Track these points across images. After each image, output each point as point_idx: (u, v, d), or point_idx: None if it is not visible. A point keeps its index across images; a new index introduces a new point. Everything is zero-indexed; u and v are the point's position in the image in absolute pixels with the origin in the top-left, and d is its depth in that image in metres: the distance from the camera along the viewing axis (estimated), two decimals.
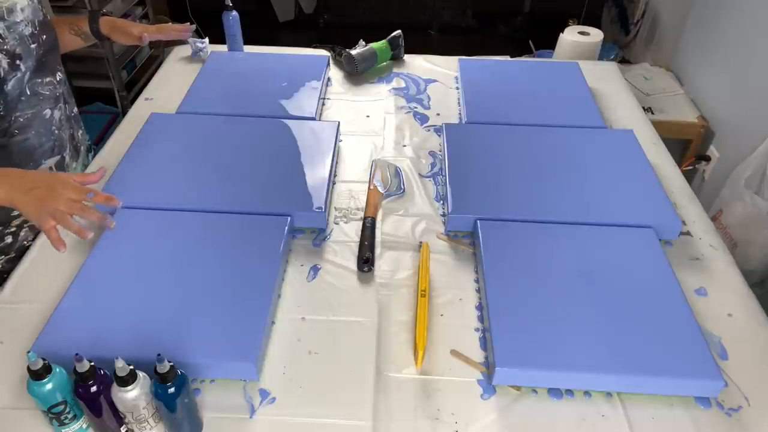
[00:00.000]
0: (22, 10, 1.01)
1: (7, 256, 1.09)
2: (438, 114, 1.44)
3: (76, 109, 1.23)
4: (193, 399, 0.74)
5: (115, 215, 1.04)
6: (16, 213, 1.08)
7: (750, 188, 1.54)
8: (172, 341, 0.81)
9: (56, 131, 1.13)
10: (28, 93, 1.04)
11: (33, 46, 1.03)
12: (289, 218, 1.04)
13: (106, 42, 1.25)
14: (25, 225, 1.10)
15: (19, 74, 1.01)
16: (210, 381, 0.82)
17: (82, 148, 1.25)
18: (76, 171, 1.20)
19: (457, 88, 1.53)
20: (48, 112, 1.10)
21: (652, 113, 1.91)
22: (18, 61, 1.00)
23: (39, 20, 1.06)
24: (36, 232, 1.11)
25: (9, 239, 1.08)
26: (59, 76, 1.13)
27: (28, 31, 1.02)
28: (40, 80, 1.07)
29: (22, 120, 1.04)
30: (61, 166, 1.14)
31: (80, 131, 1.25)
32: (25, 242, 1.11)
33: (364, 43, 1.62)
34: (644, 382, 0.80)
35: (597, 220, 1.05)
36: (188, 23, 1.37)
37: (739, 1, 1.77)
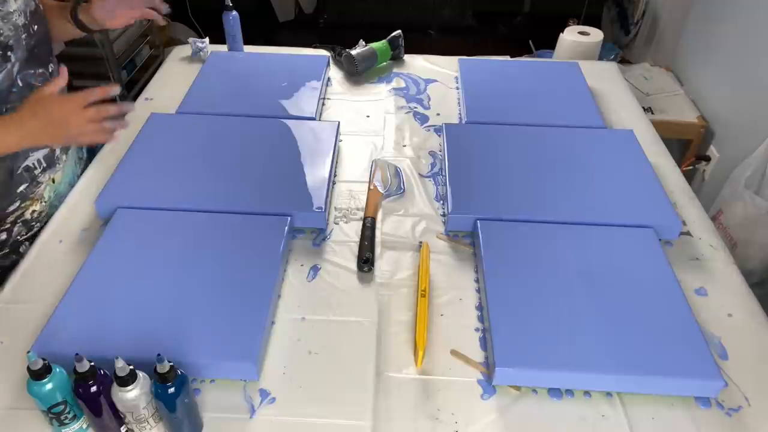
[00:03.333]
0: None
1: (1, 252, 1.09)
2: (438, 114, 1.44)
3: None
4: (193, 399, 0.74)
5: (115, 216, 1.04)
6: (9, 210, 1.07)
7: (750, 188, 1.54)
8: (172, 341, 0.81)
9: None
10: (20, 84, 1.03)
11: (24, 36, 1.02)
12: (289, 218, 1.04)
13: (98, 33, 1.22)
14: (18, 221, 1.09)
15: (9, 65, 0.99)
16: (210, 381, 0.82)
17: None
18: (67, 163, 1.17)
19: (457, 88, 1.53)
20: None
21: (652, 113, 1.91)
22: (9, 53, 0.99)
23: (31, 10, 1.04)
24: (29, 229, 1.11)
25: (3, 236, 1.08)
26: (51, 67, 1.12)
27: (21, 21, 1.01)
28: (32, 71, 1.05)
29: (12, 112, 1.03)
30: (50, 159, 1.12)
31: None
32: (19, 237, 1.10)
33: (364, 43, 1.62)
34: (644, 382, 0.80)
35: (597, 220, 1.05)
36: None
37: (739, 1, 1.77)
